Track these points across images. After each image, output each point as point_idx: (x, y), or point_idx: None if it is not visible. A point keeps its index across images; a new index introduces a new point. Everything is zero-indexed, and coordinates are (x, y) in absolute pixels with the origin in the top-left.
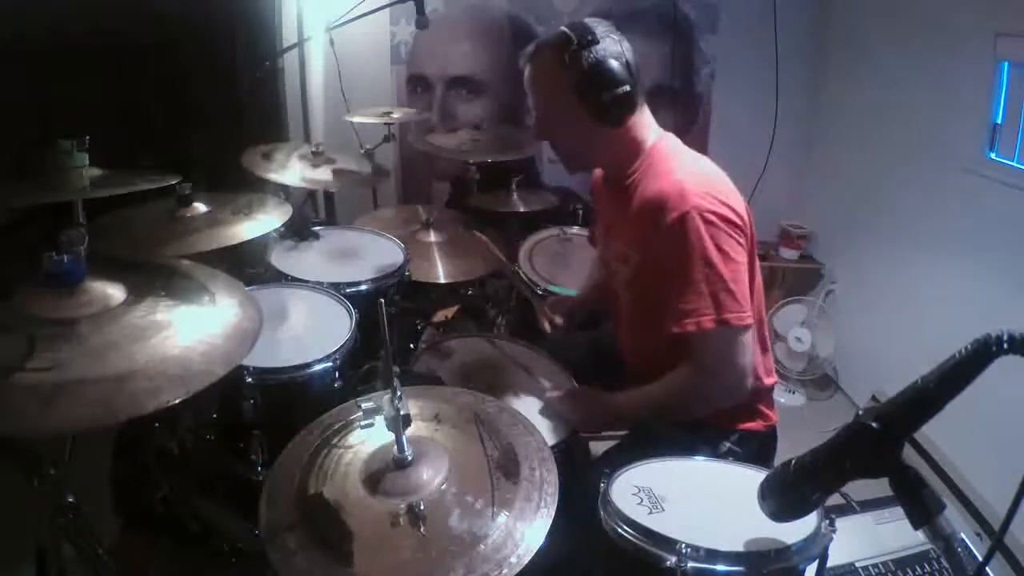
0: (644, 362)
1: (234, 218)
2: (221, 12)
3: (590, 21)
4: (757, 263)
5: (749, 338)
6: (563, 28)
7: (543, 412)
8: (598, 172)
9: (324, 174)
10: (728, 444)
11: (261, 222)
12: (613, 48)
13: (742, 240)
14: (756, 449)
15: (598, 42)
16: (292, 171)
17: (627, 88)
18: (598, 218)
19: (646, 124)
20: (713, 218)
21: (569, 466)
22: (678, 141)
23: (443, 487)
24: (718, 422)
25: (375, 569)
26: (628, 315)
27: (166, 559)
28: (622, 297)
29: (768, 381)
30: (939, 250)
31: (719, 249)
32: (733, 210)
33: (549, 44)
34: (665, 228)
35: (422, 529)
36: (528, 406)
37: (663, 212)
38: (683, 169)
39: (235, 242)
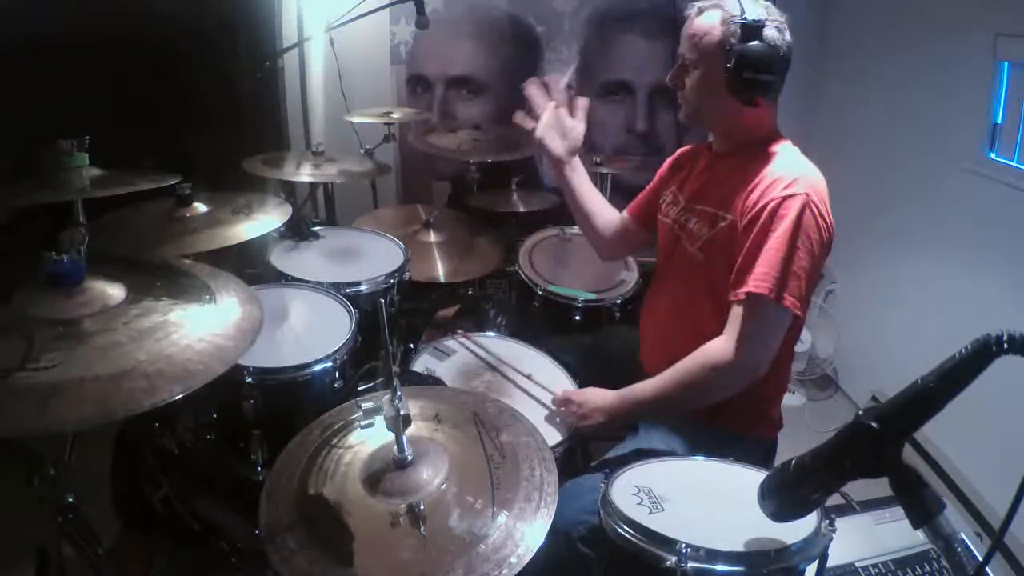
0: (683, 333)
1: (234, 218)
2: (221, 12)
3: (763, 3)
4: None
5: (784, 328)
6: (742, 2)
7: (548, 417)
8: (698, 146)
9: (327, 172)
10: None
11: (261, 222)
12: (774, 36)
13: (825, 249)
14: (762, 455)
15: (764, 25)
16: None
17: (770, 78)
18: (677, 181)
19: (773, 115)
20: (818, 214)
21: (569, 466)
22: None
23: (443, 487)
24: (735, 428)
25: (375, 569)
26: (687, 276)
27: (166, 559)
28: (686, 257)
29: (785, 390)
30: (939, 250)
31: (809, 240)
32: (832, 222)
33: (723, 8)
34: (773, 200)
35: (422, 529)
36: (528, 406)
37: (776, 186)
38: (807, 169)
39: (235, 242)
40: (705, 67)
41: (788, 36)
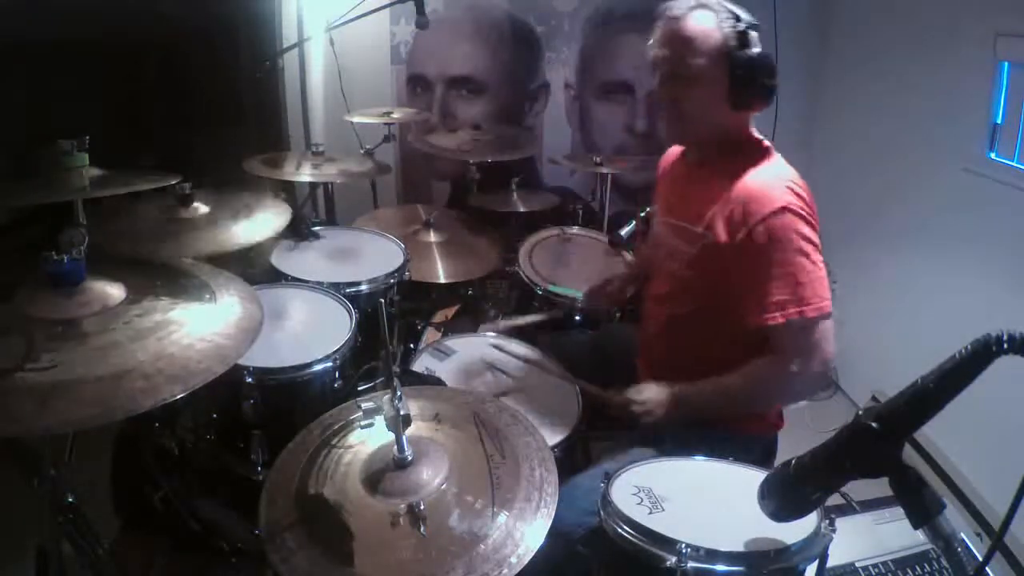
0: (681, 345)
1: (233, 218)
2: (221, 12)
3: (734, 5)
4: None
5: (830, 325)
6: (727, 5)
7: (550, 417)
8: (673, 151)
9: (327, 172)
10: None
11: (261, 222)
12: (758, 39)
13: (818, 235)
14: (760, 452)
15: (758, 28)
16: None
17: (775, 83)
18: (657, 196)
19: (754, 124)
20: (803, 212)
21: (569, 466)
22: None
23: (443, 487)
24: (736, 427)
25: (375, 569)
26: (680, 293)
27: (166, 559)
28: (676, 275)
29: None
30: (939, 250)
31: (809, 242)
32: (814, 206)
33: (716, 12)
34: (763, 221)
35: (422, 529)
36: (528, 406)
37: (760, 204)
38: (778, 172)
39: (235, 246)
40: (707, 73)
41: None
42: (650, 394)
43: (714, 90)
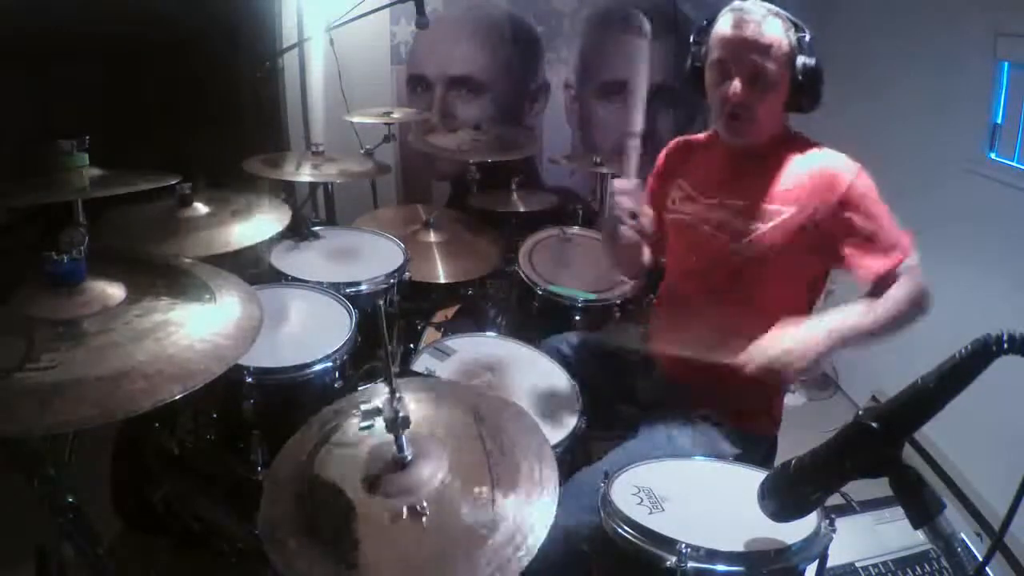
0: (704, 320)
1: (234, 219)
2: (221, 12)
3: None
4: None
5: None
6: (784, 13)
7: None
8: (678, 141)
9: (327, 172)
10: (737, 449)
11: (261, 223)
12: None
13: None
14: (760, 452)
15: (814, 39)
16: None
17: (823, 88)
18: (680, 175)
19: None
20: None
21: (569, 466)
22: None
23: (443, 484)
24: (738, 424)
25: (376, 568)
26: (724, 268)
27: (166, 559)
28: (721, 250)
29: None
30: (939, 250)
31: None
32: None
33: (782, 20)
34: (852, 182)
35: (423, 527)
36: (528, 406)
37: (840, 171)
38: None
39: (236, 247)
40: (782, 76)
41: None
42: (789, 341)
43: (781, 93)
